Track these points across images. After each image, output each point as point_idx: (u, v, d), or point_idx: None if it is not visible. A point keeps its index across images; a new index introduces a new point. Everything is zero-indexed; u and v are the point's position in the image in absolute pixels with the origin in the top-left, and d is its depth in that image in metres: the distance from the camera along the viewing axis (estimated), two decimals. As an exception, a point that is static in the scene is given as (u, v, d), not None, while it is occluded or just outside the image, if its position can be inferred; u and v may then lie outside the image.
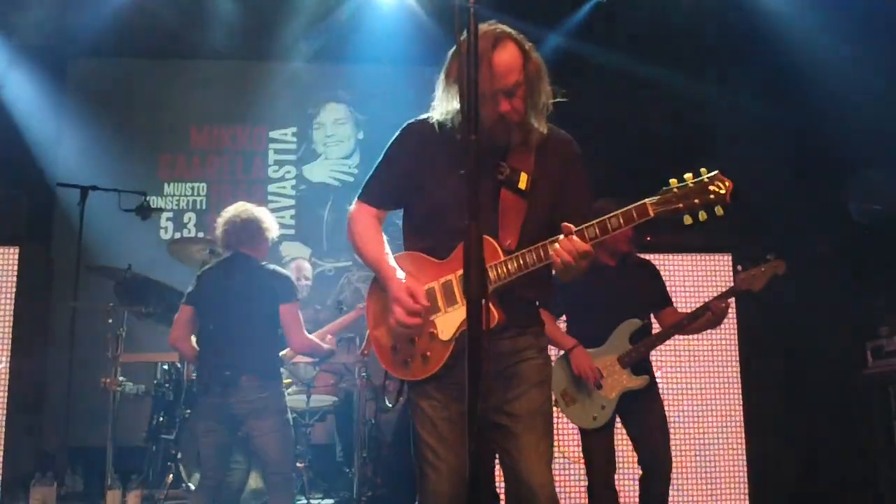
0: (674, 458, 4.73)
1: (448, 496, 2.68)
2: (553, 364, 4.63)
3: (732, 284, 4.56)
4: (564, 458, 5.55)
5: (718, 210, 2.46)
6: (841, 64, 6.15)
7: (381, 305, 2.77)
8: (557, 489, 2.74)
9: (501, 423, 2.66)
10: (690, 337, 5.64)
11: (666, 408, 4.77)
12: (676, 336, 4.81)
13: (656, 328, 4.79)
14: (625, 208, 2.52)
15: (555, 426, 4.93)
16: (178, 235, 7.37)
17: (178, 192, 7.47)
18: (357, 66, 7.65)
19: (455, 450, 2.68)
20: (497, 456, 2.80)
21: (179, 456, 5.40)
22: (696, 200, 2.47)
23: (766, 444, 6.61)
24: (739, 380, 6.74)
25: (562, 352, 4.71)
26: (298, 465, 5.51)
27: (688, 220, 2.49)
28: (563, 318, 4.92)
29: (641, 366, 4.62)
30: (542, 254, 2.57)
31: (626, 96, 6.82)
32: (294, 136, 7.72)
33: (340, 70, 7.69)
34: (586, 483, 4.67)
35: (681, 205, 2.48)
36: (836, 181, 6.54)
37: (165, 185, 7.46)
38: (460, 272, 2.54)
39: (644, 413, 4.61)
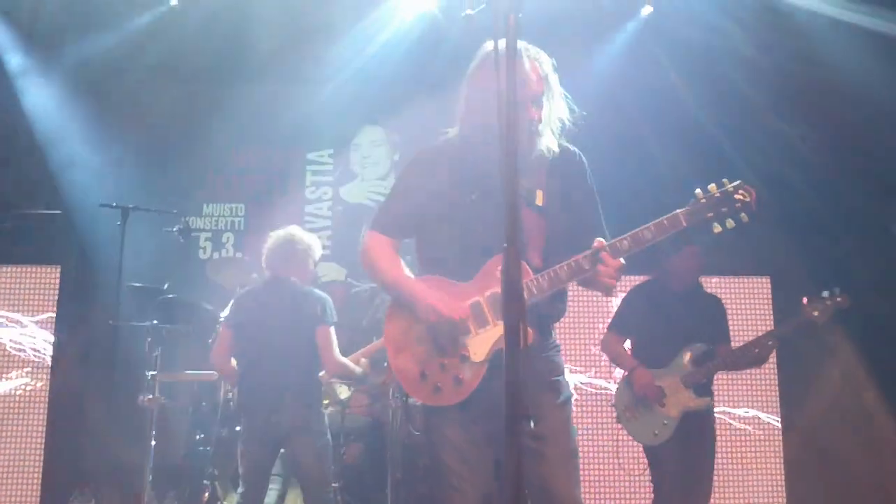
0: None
1: None
2: (618, 383, 4.90)
3: (797, 315, 4.68)
4: (626, 473, 5.62)
5: (744, 217, 2.58)
6: (881, 84, 6.10)
7: (402, 331, 2.74)
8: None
9: (527, 445, 2.62)
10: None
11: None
12: None
13: None
14: (657, 220, 2.55)
15: (617, 442, 5.17)
16: (216, 255, 7.44)
17: (217, 213, 7.55)
18: (393, 89, 7.71)
19: (479, 472, 2.67)
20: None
21: (216, 473, 5.44)
22: (724, 209, 2.57)
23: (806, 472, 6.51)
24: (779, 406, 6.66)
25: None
26: (333, 485, 5.51)
27: (717, 228, 2.59)
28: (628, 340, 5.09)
29: (704, 389, 4.77)
30: (574, 268, 2.59)
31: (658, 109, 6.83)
32: (331, 157, 7.79)
33: (377, 92, 7.75)
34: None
35: (710, 213, 2.58)
36: (879, 203, 6.45)
37: (204, 206, 7.54)
38: (488, 292, 2.63)
39: (698, 441, 4.73)
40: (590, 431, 6.57)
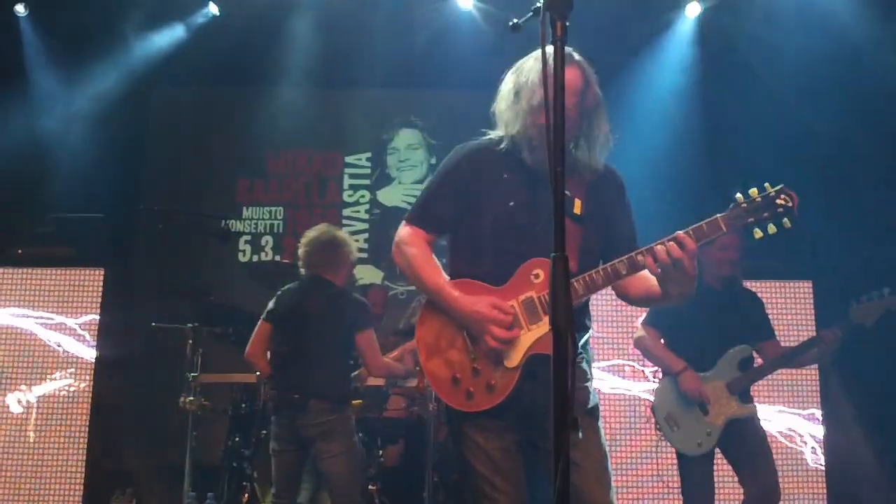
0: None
1: None
2: (657, 386, 4.62)
3: (846, 318, 4.41)
4: (666, 486, 5.20)
5: (786, 223, 2.53)
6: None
7: (435, 335, 2.70)
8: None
9: None
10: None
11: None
12: None
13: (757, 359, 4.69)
14: (696, 224, 2.53)
15: (656, 451, 4.82)
16: (255, 258, 7.51)
17: (256, 216, 7.63)
18: (430, 92, 7.74)
19: (512, 480, 2.65)
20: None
21: (255, 475, 5.47)
22: (766, 214, 2.53)
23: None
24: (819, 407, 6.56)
25: (660, 374, 4.63)
26: (370, 487, 5.53)
27: (758, 233, 2.54)
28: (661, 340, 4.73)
29: (747, 395, 4.51)
30: (611, 273, 2.57)
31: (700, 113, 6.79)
32: (368, 160, 7.83)
33: (414, 95, 7.79)
34: None
35: (751, 219, 2.54)
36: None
37: (244, 209, 7.62)
38: (522, 297, 2.61)
39: (746, 438, 4.44)
40: (626, 437, 6.51)
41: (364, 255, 7.52)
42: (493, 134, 2.78)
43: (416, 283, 2.83)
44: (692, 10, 6.87)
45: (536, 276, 2.62)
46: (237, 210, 7.59)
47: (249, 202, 7.65)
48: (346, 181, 7.78)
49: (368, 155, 7.83)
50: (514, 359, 2.59)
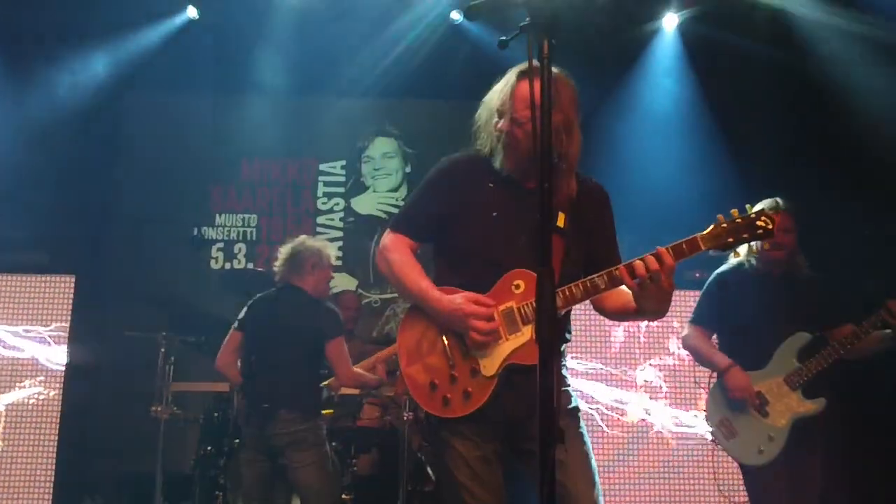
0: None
1: None
2: (709, 390, 4.20)
3: None
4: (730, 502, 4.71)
5: (765, 245, 2.61)
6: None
7: (416, 340, 2.75)
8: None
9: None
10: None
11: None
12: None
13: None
14: (675, 242, 2.59)
15: (716, 461, 4.52)
16: (228, 266, 7.47)
17: (229, 223, 7.58)
18: (406, 101, 7.76)
19: (490, 489, 2.68)
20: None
21: (227, 484, 5.44)
22: (745, 235, 2.60)
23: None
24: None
25: (715, 376, 4.14)
26: (344, 497, 5.52)
27: (737, 254, 2.65)
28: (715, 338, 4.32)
29: (816, 388, 3.97)
30: (589, 287, 2.61)
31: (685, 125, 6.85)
32: (343, 168, 7.83)
33: (389, 104, 7.80)
34: None
35: (731, 239, 2.60)
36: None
37: (217, 216, 7.58)
38: (502, 307, 2.65)
39: (812, 452, 3.99)
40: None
41: (338, 264, 7.51)
42: (477, 146, 2.83)
43: (399, 288, 2.88)
44: (669, 23, 6.95)
45: (517, 286, 2.67)
46: (210, 217, 7.54)
47: (222, 209, 7.61)
48: (321, 189, 7.77)
49: (343, 163, 7.83)
50: (492, 368, 2.63)
